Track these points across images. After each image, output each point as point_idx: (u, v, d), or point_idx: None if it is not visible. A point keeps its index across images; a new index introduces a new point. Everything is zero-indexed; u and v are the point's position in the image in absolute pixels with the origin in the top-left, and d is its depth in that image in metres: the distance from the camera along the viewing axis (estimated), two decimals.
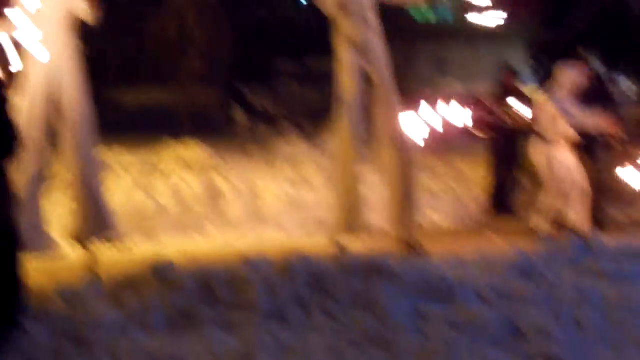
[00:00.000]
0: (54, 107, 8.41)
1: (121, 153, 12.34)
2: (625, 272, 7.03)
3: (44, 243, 8.28)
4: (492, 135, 11.67)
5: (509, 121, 11.21)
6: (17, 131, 4.71)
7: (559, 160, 10.00)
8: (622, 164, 10.74)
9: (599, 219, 10.51)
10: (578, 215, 9.84)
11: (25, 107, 8.19)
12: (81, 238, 8.57)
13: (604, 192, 11.01)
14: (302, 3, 26.03)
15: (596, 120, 9.92)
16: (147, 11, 21.41)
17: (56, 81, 8.44)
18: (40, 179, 8.41)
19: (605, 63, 19.39)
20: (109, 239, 8.75)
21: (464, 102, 10.61)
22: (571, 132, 9.97)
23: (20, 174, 7.81)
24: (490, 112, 11.38)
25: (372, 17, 9.00)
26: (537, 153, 10.25)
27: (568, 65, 10.32)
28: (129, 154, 12.61)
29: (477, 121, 11.12)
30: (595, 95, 10.59)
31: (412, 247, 8.66)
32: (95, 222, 8.62)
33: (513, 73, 12.27)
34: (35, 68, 8.43)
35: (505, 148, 11.84)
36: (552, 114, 10.05)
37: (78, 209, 8.63)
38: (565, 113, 9.98)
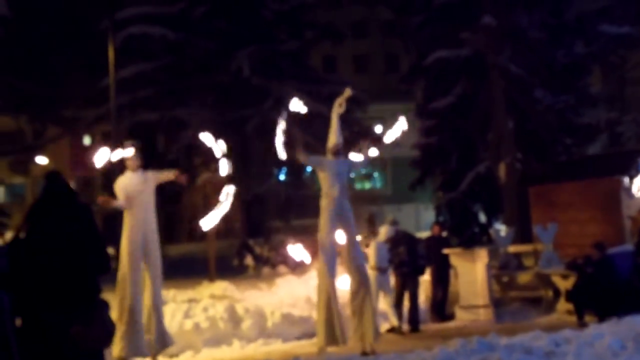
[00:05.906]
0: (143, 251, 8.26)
1: (174, 292, 12.48)
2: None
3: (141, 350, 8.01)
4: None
5: None
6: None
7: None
8: None
9: None
10: None
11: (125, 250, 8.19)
12: (150, 350, 8.24)
13: None
14: (279, 180, 26.46)
15: None
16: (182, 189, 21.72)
17: (146, 234, 8.31)
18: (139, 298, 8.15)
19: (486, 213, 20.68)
20: (167, 351, 8.61)
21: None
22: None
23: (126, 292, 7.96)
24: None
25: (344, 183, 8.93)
26: None
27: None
28: (178, 292, 12.76)
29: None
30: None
31: (369, 351, 8.59)
32: (160, 339, 8.28)
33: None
34: (134, 223, 8.33)
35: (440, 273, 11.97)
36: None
37: (148, 328, 8.25)
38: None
